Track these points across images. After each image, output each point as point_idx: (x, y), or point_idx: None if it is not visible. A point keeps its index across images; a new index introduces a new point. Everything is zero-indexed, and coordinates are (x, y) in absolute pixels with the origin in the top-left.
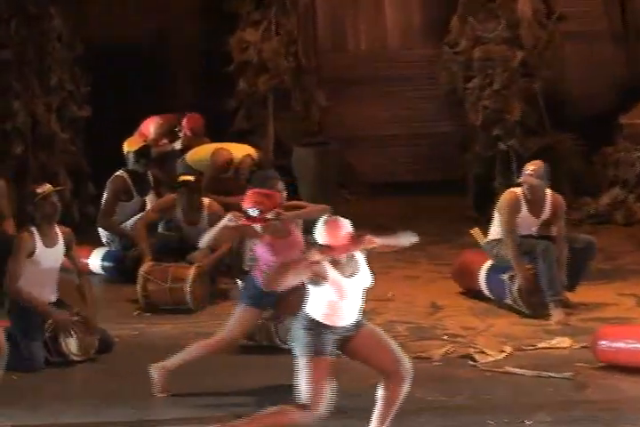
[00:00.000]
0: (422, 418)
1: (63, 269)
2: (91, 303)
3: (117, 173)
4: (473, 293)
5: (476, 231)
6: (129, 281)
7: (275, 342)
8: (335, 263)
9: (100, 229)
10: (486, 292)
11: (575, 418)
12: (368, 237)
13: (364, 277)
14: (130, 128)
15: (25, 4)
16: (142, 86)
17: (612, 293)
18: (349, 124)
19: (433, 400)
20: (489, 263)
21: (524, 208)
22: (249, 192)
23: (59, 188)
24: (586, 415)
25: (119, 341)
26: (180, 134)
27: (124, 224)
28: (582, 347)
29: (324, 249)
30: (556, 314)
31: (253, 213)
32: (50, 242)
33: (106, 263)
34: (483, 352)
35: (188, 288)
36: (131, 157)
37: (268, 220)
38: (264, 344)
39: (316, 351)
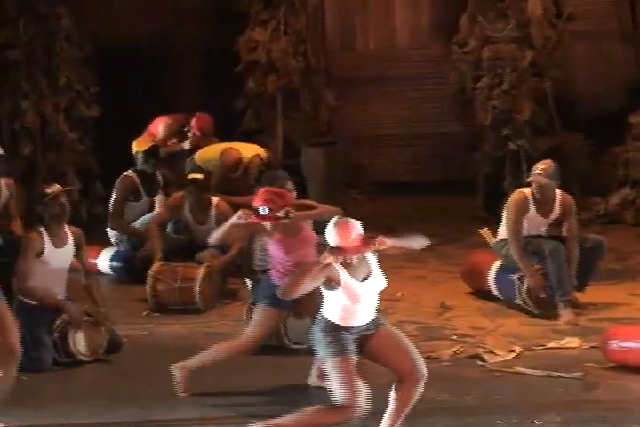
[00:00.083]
0: (431, 418)
1: (72, 269)
2: (100, 303)
3: (126, 173)
4: (482, 293)
5: (485, 231)
6: (138, 281)
7: (284, 343)
8: (347, 265)
9: (109, 229)
10: (495, 292)
11: (585, 418)
12: (379, 238)
13: (377, 279)
14: (138, 128)
15: (34, 3)
16: (151, 86)
17: (622, 293)
18: (358, 123)
19: (442, 400)
20: (498, 263)
21: (532, 208)
22: (260, 190)
23: (68, 188)
24: (595, 416)
25: (128, 341)
26: (189, 134)
27: (131, 224)
28: (592, 347)
29: (336, 251)
30: (566, 314)
31: (263, 211)
32: (59, 242)
33: (114, 263)
34: (492, 352)
35: (197, 288)
36: (140, 157)
37: (278, 218)
38: (273, 344)
39: (338, 352)
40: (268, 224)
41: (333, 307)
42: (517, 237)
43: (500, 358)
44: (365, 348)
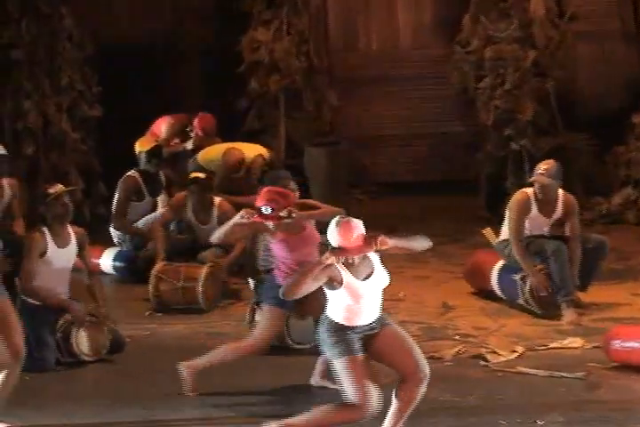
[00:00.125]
0: (434, 418)
1: (74, 269)
2: (102, 303)
3: (129, 173)
4: (485, 293)
5: (488, 231)
6: (140, 281)
7: (286, 343)
8: (349, 265)
9: (112, 229)
10: (498, 292)
11: (587, 418)
12: (381, 237)
13: (379, 277)
14: (141, 128)
15: (37, 3)
16: (153, 86)
17: (625, 293)
18: (361, 123)
19: (444, 400)
20: (501, 263)
21: (535, 208)
22: (263, 190)
23: (71, 188)
24: (598, 416)
25: (131, 341)
26: (192, 134)
27: (134, 224)
28: (594, 347)
29: (337, 251)
30: (568, 314)
31: (266, 210)
32: (62, 242)
33: (117, 263)
34: (494, 352)
35: (200, 288)
36: (142, 158)
37: (281, 218)
38: (276, 344)
39: (345, 351)
40: (270, 224)
41: (337, 307)
42: (519, 237)
43: (503, 358)
44: (370, 347)
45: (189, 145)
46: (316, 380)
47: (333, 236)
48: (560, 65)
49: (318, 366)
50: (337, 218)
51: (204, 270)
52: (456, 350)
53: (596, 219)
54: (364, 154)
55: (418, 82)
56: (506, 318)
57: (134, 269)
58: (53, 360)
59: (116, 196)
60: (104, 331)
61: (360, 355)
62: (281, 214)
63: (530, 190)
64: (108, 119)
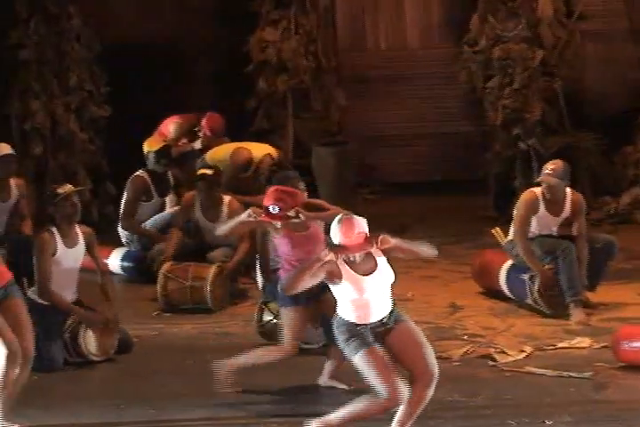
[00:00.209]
0: (442, 419)
1: (82, 268)
2: (112, 303)
3: (137, 173)
4: (493, 293)
5: (497, 231)
6: (148, 281)
7: None
8: (349, 263)
9: (120, 230)
10: (506, 292)
11: (595, 418)
12: (382, 236)
13: (383, 274)
14: (149, 128)
15: (45, 3)
16: (162, 86)
17: (633, 293)
18: (369, 123)
19: (453, 400)
20: (509, 263)
21: (542, 207)
22: (271, 189)
23: (79, 188)
24: (606, 415)
25: (138, 341)
26: (200, 134)
27: (142, 224)
28: (602, 347)
29: (337, 248)
30: (577, 314)
31: (274, 210)
32: (70, 242)
33: (125, 263)
34: (503, 352)
35: (208, 287)
36: (151, 158)
37: (288, 217)
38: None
39: (360, 345)
40: (278, 223)
41: (344, 303)
42: (524, 236)
43: (511, 358)
44: (384, 343)
45: (198, 145)
46: (324, 380)
47: (335, 233)
48: (568, 64)
49: (327, 367)
50: (340, 215)
51: (212, 270)
52: (464, 350)
53: (605, 219)
54: (372, 154)
55: (426, 81)
56: (514, 317)
57: (142, 269)
58: (62, 360)
59: (125, 196)
60: (112, 331)
61: (377, 346)
62: (288, 214)
63: (538, 190)
64: (117, 119)
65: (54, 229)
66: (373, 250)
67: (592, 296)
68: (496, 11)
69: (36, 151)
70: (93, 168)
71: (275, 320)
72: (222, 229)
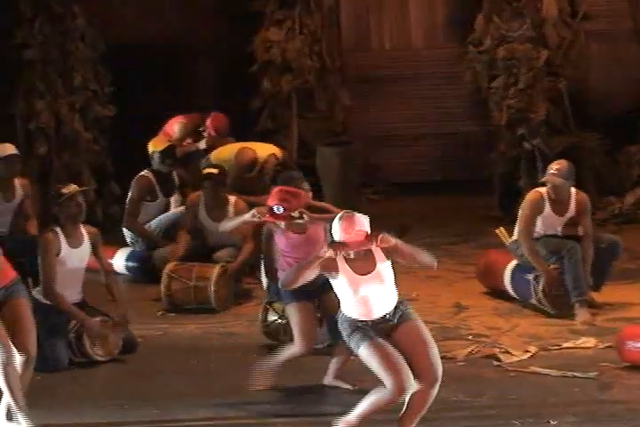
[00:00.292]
0: (446, 418)
1: (87, 269)
2: (119, 303)
3: (142, 173)
4: (497, 293)
5: (501, 231)
6: (153, 281)
7: None
8: (348, 260)
9: (125, 230)
10: (511, 292)
11: (600, 418)
12: (382, 235)
13: (380, 277)
14: (154, 128)
15: (49, 3)
16: (166, 86)
17: (638, 293)
18: (374, 123)
19: (457, 400)
20: (514, 263)
21: (547, 207)
22: (275, 189)
23: (84, 188)
24: (611, 415)
25: (143, 341)
26: (205, 134)
27: (147, 224)
28: (607, 347)
29: (336, 245)
30: (582, 314)
31: (278, 210)
32: (75, 242)
33: (130, 263)
34: (507, 352)
35: (212, 287)
36: (156, 158)
37: (292, 218)
38: (289, 344)
39: (362, 338)
40: (282, 224)
41: (346, 301)
42: (529, 236)
43: (516, 358)
44: (390, 339)
45: (202, 145)
46: (328, 380)
47: (335, 229)
48: (573, 64)
49: (331, 366)
50: (341, 212)
51: (215, 270)
52: (469, 350)
53: (609, 218)
54: (377, 153)
55: (430, 81)
56: (519, 317)
57: (147, 269)
58: (66, 360)
59: (130, 196)
60: (116, 331)
61: (379, 338)
62: (292, 214)
63: (543, 190)
64: (122, 119)
65: (58, 229)
66: (377, 254)
67: (597, 296)
68: (501, 11)
69: (41, 151)
70: (98, 168)
71: (279, 320)
72: (226, 225)
